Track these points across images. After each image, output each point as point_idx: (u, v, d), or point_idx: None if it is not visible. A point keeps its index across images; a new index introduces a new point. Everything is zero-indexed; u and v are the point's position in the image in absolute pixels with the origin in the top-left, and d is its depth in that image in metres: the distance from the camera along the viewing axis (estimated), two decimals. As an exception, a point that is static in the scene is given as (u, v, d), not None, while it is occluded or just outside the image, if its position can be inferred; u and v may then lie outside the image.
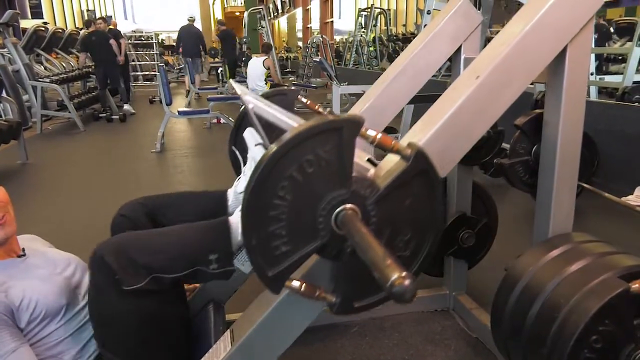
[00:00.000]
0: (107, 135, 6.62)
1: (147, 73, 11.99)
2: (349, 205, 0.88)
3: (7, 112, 5.36)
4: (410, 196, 0.94)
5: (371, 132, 0.92)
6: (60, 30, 8.65)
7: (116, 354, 1.17)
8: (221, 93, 8.16)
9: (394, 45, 11.92)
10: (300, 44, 18.64)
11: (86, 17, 7.94)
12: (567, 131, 1.29)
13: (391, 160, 0.98)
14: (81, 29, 11.55)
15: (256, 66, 6.69)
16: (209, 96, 6.80)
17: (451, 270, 1.93)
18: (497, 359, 1.65)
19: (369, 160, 1.02)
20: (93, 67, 7.66)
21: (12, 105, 5.07)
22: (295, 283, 0.95)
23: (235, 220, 1.17)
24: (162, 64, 5.38)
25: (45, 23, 9.22)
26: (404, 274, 0.63)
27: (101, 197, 3.73)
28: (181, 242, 1.15)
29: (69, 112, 6.67)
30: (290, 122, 1.04)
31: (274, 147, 0.83)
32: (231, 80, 1.55)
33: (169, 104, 5.19)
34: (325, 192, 0.88)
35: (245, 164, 1.43)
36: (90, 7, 23.71)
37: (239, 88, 1.18)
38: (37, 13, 17.92)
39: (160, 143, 5.27)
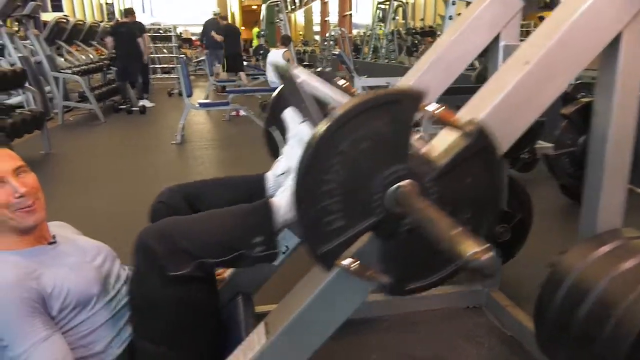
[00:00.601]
0: (127, 126, 6.65)
1: (165, 66, 12.03)
2: (406, 182, 0.84)
3: (30, 103, 5.41)
4: (470, 174, 0.90)
5: (431, 107, 0.87)
6: (81, 23, 8.72)
7: (152, 341, 1.15)
8: (239, 86, 8.14)
9: (412, 38, 11.81)
10: (317, 37, 18.55)
11: (116, 9, 8.00)
12: (619, 121, 1.23)
13: (447, 137, 0.94)
14: (101, 22, 11.65)
15: (275, 57, 6.65)
16: (227, 88, 6.79)
17: (484, 266, 1.87)
18: (535, 358, 1.60)
19: (420, 137, 0.98)
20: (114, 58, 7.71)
21: (35, 95, 5.10)
22: (347, 261, 0.92)
23: (278, 201, 1.15)
24: (182, 56, 5.37)
25: (65, 16, 9.30)
26: (482, 247, 0.61)
27: (124, 187, 3.75)
28: (225, 226, 1.13)
29: (90, 103, 6.72)
30: (340, 98, 1.00)
31: (329, 120, 0.79)
32: (273, 52, 1.50)
33: (189, 95, 5.18)
34: (381, 168, 0.84)
35: (284, 144, 1.39)
36: (109, 0, 23.86)
37: (283, 64, 1.14)
38: (57, 6, 18.10)
39: (181, 135, 5.27)
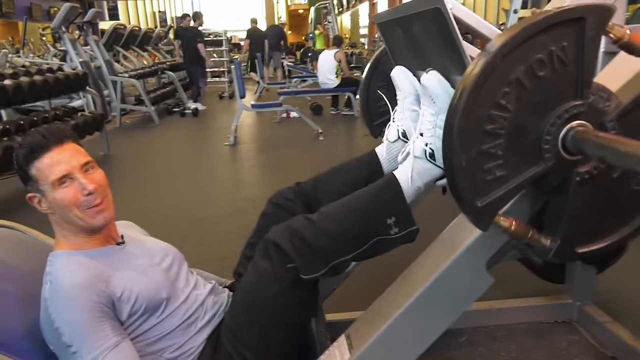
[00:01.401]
0: (181, 129, 6.76)
1: (215, 70, 12.26)
2: (579, 122, 0.71)
3: (90, 106, 5.57)
4: None
5: (619, 28, 0.72)
6: (137, 28, 8.99)
7: (245, 345, 1.07)
8: (288, 88, 8.14)
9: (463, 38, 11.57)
10: (363, 40, 18.40)
11: (193, 12, 8.48)
12: None
13: (629, 66, 0.80)
14: (156, 28, 12.02)
15: (327, 59, 6.57)
16: (279, 90, 6.78)
17: (576, 277, 1.68)
18: (645, 384, 1.40)
19: None
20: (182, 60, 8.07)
21: (95, 98, 5.24)
22: (505, 220, 0.79)
23: (402, 172, 1.05)
24: (236, 57, 5.39)
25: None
26: None
27: (179, 189, 3.75)
28: (355, 215, 1.05)
29: (146, 106, 6.87)
30: (494, 28, 0.87)
31: (498, 43, 0.66)
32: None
33: (242, 97, 5.17)
34: (557, 102, 0.70)
35: (393, 107, 1.26)
36: (162, 9, 24.65)
37: None
38: (113, 15, 18.90)
39: (234, 136, 5.27)
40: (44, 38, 12.89)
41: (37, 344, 1.02)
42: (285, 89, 7.57)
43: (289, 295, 1.02)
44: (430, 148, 1.02)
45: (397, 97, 1.19)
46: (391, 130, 1.23)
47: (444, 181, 1.04)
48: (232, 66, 5.35)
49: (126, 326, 1.08)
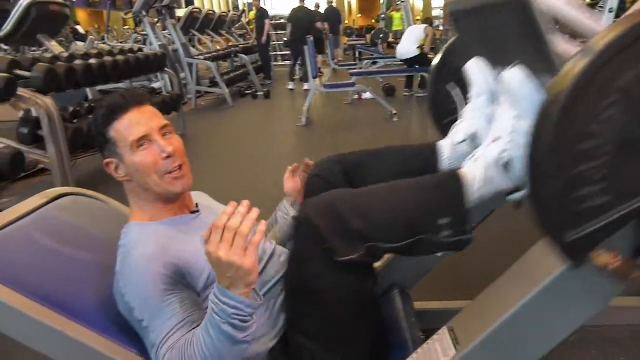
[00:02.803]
0: (254, 110, 6.81)
1: (286, 53, 12.37)
2: None
3: (167, 88, 5.71)
4: None
5: None
6: (211, 12, 9.17)
7: (308, 337, 0.95)
8: (360, 68, 7.97)
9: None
10: (435, 22, 17.72)
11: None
12: None
13: None
14: (229, 12, 12.29)
15: (416, 30, 6.41)
16: (350, 71, 6.63)
17: None
18: None
19: None
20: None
21: (173, 78, 5.36)
22: (604, 255, 0.66)
23: (470, 172, 0.89)
24: (309, 37, 5.28)
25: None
26: None
27: (252, 169, 3.74)
28: (404, 203, 0.90)
29: (220, 88, 6.97)
30: (596, 24, 0.70)
31: (601, 42, 0.53)
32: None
33: (314, 76, 5.08)
34: None
35: (464, 105, 1.11)
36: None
37: None
38: (189, 2, 19.59)
39: (305, 117, 5.20)
40: (126, 26, 13.55)
41: (112, 314, 0.96)
42: (357, 70, 7.39)
43: (334, 275, 0.89)
44: (506, 156, 0.86)
45: (468, 94, 1.04)
46: (458, 130, 1.09)
47: (517, 195, 0.89)
48: (305, 46, 5.26)
49: (203, 298, 1.00)
